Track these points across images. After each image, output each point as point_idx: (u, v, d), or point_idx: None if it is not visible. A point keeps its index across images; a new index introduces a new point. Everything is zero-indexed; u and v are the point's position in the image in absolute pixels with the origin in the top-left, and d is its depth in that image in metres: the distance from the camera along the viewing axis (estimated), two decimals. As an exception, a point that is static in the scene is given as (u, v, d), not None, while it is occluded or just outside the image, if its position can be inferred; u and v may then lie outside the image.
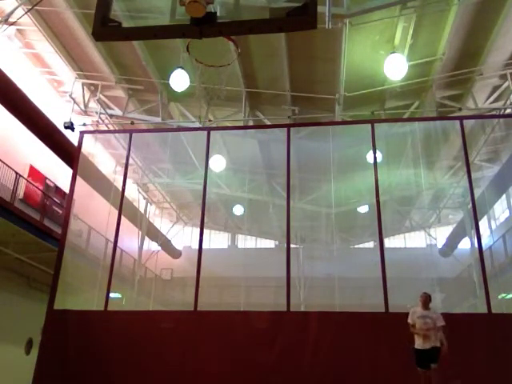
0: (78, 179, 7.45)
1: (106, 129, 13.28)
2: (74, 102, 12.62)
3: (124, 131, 11.96)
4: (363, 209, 17.41)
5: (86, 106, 12.89)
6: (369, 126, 7.07)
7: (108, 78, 12.48)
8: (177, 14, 3.54)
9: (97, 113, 12.91)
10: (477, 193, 11.72)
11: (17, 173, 12.47)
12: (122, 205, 7.86)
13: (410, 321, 6.46)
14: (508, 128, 13.04)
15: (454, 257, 18.67)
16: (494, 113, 11.95)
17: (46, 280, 11.65)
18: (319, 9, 3.93)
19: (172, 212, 22.09)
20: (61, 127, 11.62)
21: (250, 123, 12.72)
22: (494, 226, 18.45)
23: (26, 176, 13.24)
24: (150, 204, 19.59)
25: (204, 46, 4.37)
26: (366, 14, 8.66)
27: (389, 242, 19.00)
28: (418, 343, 6.26)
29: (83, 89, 12.76)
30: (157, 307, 16.26)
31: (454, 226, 19.67)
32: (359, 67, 10.56)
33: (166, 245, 20.71)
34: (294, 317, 6.07)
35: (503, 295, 13.79)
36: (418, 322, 6.36)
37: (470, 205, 7.50)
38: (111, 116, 13.21)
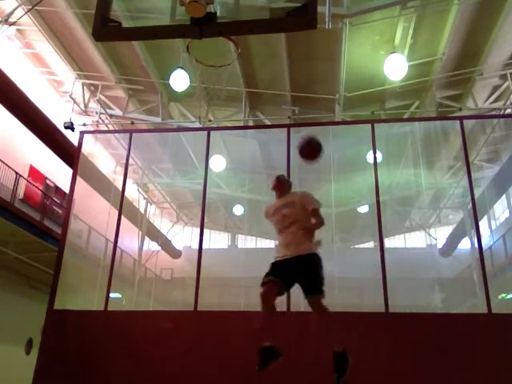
0: (78, 179, 7.43)
1: (106, 129, 13.29)
2: (74, 102, 12.62)
3: (124, 131, 11.95)
4: (363, 209, 17.42)
5: (86, 106, 12.89)
6: (369, 126, 7.04)
7: (108, 78, 12.48)
8: (177, 14, 3.53)
9: (97, 113, 12.91)
10: (477, 193, 11.72)
11: (17, 173, 12.47)
12: (122, 205, 7.84)
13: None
14: (508, 128, 13.04)
15: (454, 257, 18.68)
16: (494, 113, 11.95)
17: (46, 280, 11.65)
18: (319, 9, 3.93)
19: (172, 212, 22.09)
20: (61, 127, 11.62)
21: (250, 123, 12.72)
22: (494, 226, 18.46)
23: (26, 176, 13.24)
24: (150, 204, 19.59)
25: (204, 46, 4.37)
26: (365, 13, 8.67)
27: (389, 242, 19.00)
28: (278, 253, 4.08)
29: (83, 89, 12.76)
30: (157, 307, 16.25)
31: (454, 226, 19.68)
32: (359, 67, 10.56)
33: (165, 245, 20.71)
34: (294, 317, 6.06)
35: (503, 295, 13.79)
36: (274, 221, 4.26)
37: (470, 205, 7.49)
38: (111, 116, 13.21)
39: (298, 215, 4.10)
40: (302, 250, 3.95)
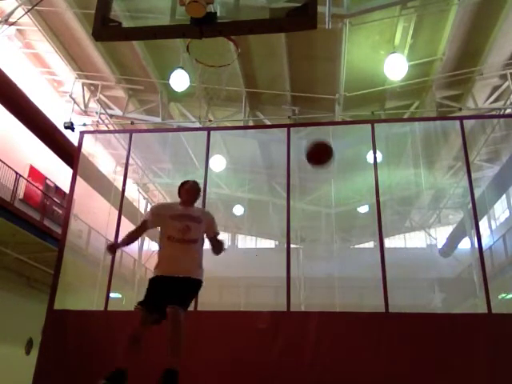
0: (78, 179, 7.43)
1: (106, 129, 13.29)
2: (74, 102, 12.62)
3: (124, 131, 11.95)
4: (363, 209, 17.41)
5: (86, 106, 12.89)
6: (369, 126, 7.04)
7: (108, 77, 12.48)
8: (177, 14, 3.54)
9: (97, 113, 12.91)
10: (477, 193, 11.72)
11: (17, 173, 12.48)
12: (122, 205, 7.84)
13: (147, 218, 4.05)
14: (508, 128, 13.04)
15: (454, 257, 18.67)
16: (494, 113, 11.95)
17: (46, 280, 11.67)
18: (319, 9, 3.93)
19: (172, 212, 22.08)
20: (61, 127, 11.63)
21: (250, 123, 12.72)
22: (494, 226, 18.46)
23: (26, 176, 13.25)
24: (150, 204, 19.57)
25: (204, 46, 4.38)
26: (365, 13, 8.67)
27: (389, 242, 19.03)
28: (161, 267, 3.86)
29: (83, 89, 12.76)
30: (157, 307, 16.23)
31: (454, 226, 19.68)
32: (359, 67, 10.56)
33: (166, 245, 20.68)
34: (294, 317, 6.07)
35: (503, 295, 13.79)
36: (170, 226, 3.91)
37: (470, 205, 7.49)
38: (111, 116, 13.21)
39: (199, 236, 4.07)
40: (195, 274, 3.93)
